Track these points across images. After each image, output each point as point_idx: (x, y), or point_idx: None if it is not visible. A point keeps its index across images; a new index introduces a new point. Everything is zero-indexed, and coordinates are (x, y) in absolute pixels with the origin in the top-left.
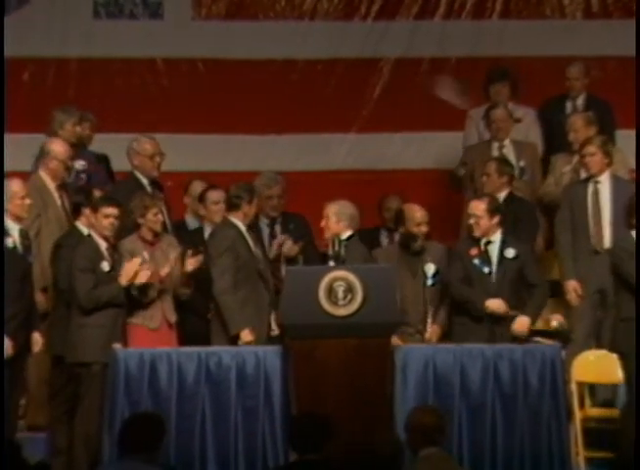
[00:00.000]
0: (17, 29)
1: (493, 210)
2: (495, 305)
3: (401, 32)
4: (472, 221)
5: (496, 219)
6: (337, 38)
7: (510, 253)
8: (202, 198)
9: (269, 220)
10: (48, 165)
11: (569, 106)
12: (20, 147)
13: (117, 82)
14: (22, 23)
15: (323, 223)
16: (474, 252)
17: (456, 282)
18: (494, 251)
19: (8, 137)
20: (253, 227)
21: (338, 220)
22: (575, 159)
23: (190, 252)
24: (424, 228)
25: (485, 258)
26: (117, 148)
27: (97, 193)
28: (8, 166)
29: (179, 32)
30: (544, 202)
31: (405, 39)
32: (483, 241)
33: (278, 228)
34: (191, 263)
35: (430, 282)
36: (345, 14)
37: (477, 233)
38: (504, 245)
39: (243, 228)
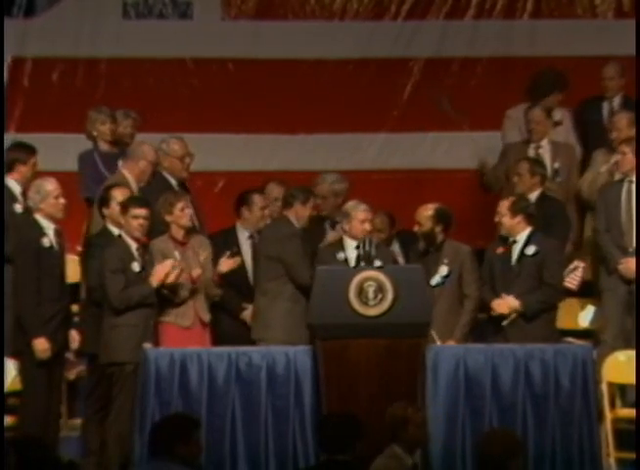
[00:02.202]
0: (46, 29)
1: (516, 209)
2: (500, 307)
3: (432, 32)
4: (496, 219)
5: (519, 218)
6: (367, 38)
7: (530, 249)
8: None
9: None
10: (136, 165)
11: (605, 107)
12: (49, 146)
13: (147, 83)
14: (51, 23)
15: None
16: (499, 250)
17: (484, 282)
18: (517, 249)
19: (38, 137)
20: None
21: None
22: (613, 158)
23: (228, 253)
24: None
25: (507, 256)
26: None
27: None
28: (38, 166)
29: (209, 32)
30: (579, 198)
31: (436, 39)
32: (510, 240)
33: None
34: (227, 264)
35: (434, 281)
36: (375, 14)
37: (501, 231)
38: (528, 242)
39: (297, 225)
